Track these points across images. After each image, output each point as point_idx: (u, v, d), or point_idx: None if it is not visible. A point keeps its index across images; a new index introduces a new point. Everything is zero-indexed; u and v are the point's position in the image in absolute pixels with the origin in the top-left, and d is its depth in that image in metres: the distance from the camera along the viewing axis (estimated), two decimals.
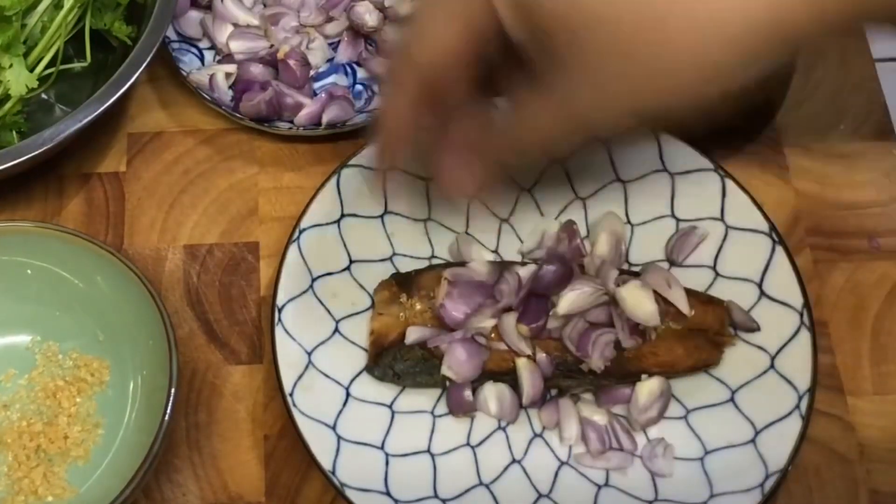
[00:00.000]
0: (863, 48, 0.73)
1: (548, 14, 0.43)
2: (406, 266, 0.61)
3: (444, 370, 0.56)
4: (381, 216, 0.62)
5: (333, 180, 0.61)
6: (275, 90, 0.65)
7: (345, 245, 0.61)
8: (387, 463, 0.56)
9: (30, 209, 0.65)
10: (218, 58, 0.69)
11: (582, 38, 0.43)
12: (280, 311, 0.57)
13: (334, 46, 0.70)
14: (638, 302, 0.55)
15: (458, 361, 0.56)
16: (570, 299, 0.56)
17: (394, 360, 0.57)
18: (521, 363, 0.56)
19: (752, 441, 0.56)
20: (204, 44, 0.70)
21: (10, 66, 0.61)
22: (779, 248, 0.59)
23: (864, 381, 0.61)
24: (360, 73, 0.69)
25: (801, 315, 0.58)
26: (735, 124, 0.66)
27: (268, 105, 0.65)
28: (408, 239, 0.62)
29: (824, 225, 0.66)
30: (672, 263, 0.62)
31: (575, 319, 0.56)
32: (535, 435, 0.58)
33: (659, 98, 0.45)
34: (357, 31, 0.69)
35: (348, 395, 0.57)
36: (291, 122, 0.66)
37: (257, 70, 0.67)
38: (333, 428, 0.55)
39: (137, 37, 0.63)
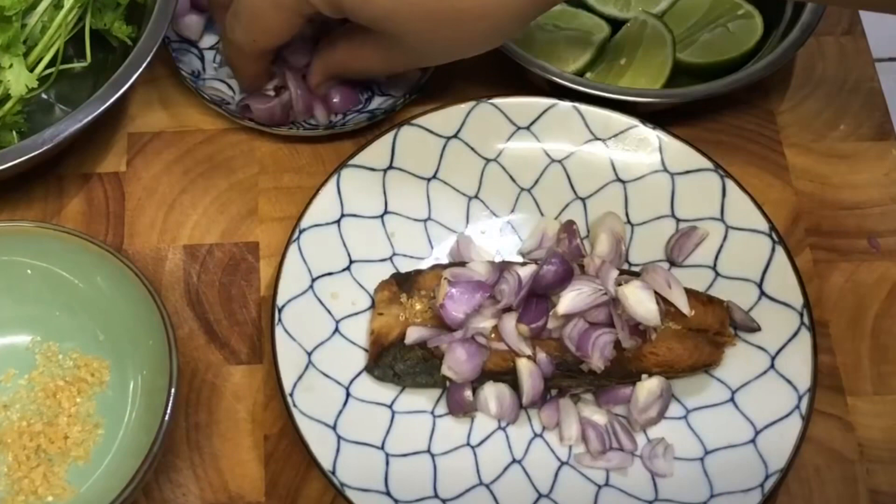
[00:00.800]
0: (863, 48, 0.73)
1: (358, 11, 0.56)
2: (406, 266, 0.61)
3: (445, 370, 0.56)
4: (381, 216, 0.62)
5: (333, 180, 0.61)
6: (292, 94, 0.66)
7: (345, 245, 0.61)
8: (387, 463, 0.56)
9: (30, 209, 0.65)
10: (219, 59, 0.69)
11: (387, 27, 0.56)
12: (280, 311, 0.57)
13: None
14: (639, 302, 0.55)
15: (457, 362, 0.56)
16: (570, 299, 0.56)
17: (394, 360, 0.57)
18: (522, 363, 0.56)
19: (752, 441, 0.56)
20: (204, 44, 0.70)
21: (10, 66, 0.61)
22: (779, 248, 0.59)
23: (864, 381, 0.61)
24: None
25: (801, 315, 0.58)
26: None
27: (282, 108, 0.65)
28: (408, 239, 0.62)
29: (824, 225, 0.66)
30: (672, 263, 0.62)
31: (575, 319, 0.56)
32: (535, 435, 0.58)
33: (450, 57, 0.60)
34: None
35: (348, 395, 0.57)
36: (292, 122, 0.67)
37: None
38: (333, 428, 0.55)
39: (137, 37, 0.63)
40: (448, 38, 0.57)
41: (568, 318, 0.56)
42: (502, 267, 0.58)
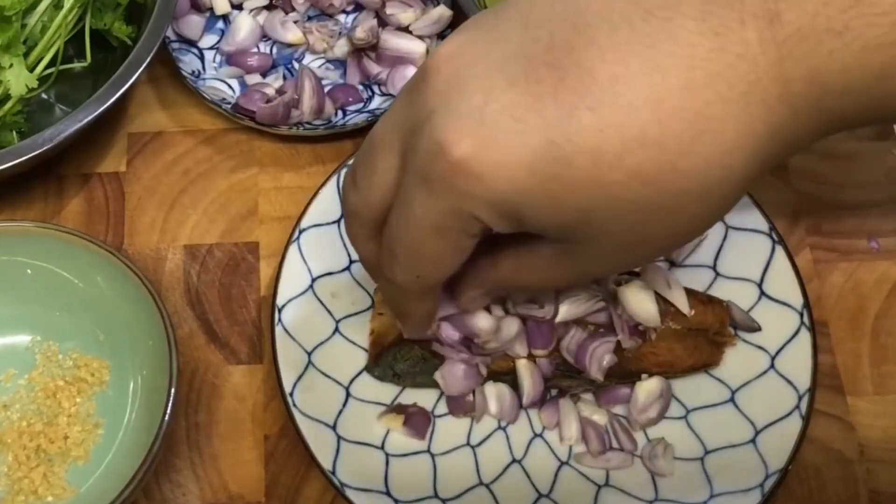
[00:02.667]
0: None
1: (542, 221, 0.41)
2: None
3: (437, 377, 0.56)
4: None
5: (333, 180, 0.61)
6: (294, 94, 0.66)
7: (345, 245, 0.61)
8: (387, 463, 0.56)
9: (30, 209, 0.65)
10: (220, 59, 0.69)
11: (582, 230, 0.41)
12: (280, 311, 0.57)
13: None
14: (639, 302, 0.55)
15: (453, 376, 0.56)
16: (566, 308, 0.55)
17: (394, 360, 0.57)
18: (522, 364, 0.56)
19: (752, 441, 0.56)
20: (204, 44, 0.70)
21: (10, 66, 0.61)
22: (779, 248, 0.59)
23: (864, 381, 0.61)
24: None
25: (801, 315, 0.58)
26: None
27: (284, 108, 0.65)
28: None
29: (824, 225, 0.66)
30: (672, 263, 0.62)
31: (573, 331, 0.56)
32: (535, 435, 0.58)
33: (648, 259, 0.48)
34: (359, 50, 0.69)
35: (348, 395, 0.57)
36: (292, 122, 0.67)
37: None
38: (333, 428, 0.55)
39: (137, 37, 0.63)
40: (655, 236, 0.41)
41: (566, 327, 0.56)
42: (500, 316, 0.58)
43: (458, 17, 0.69)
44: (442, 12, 0.69)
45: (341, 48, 0.70)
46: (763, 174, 0.41)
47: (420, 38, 0.69)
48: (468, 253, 0.44)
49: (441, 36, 0.69)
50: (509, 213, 0.40)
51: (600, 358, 0.55)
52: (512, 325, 0.56)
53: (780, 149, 0.40)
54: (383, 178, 0.43)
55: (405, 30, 0.69)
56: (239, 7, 0.72)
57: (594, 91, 0.37)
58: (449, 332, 0.54)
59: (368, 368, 0.58)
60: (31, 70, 0.62)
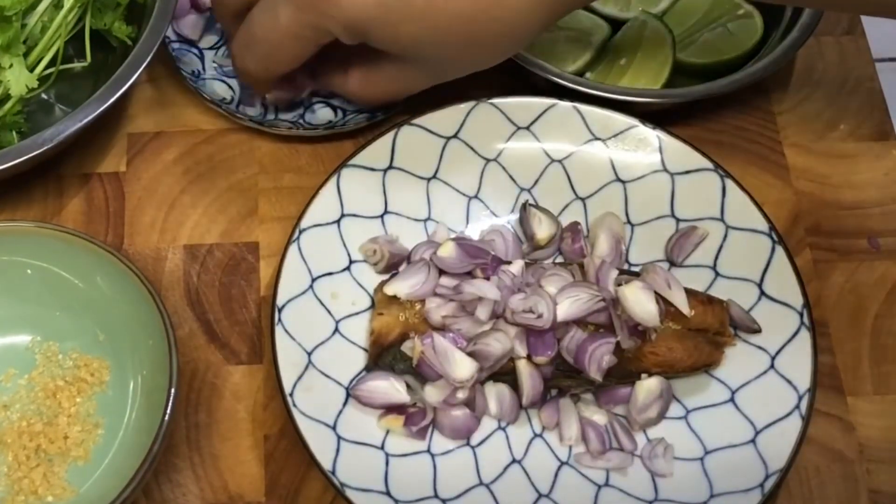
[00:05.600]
0: (863, 48, 0.73)
1: (382, 40, 0.56)
2: None
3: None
4: (382, 216, 0.62)
5: (333, 180, 0.61)
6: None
7: (345, 245, 0.61)
8: (387, 463, 0.56)
9: (30, 209, 0.65)
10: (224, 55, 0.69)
11: (410, 52, 0.57)
12: (280, 311, 0.57)
13: None
14: (638, 302, 0.55)
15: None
16: (567, 306, 0.55)
17: (394, 360, 0.57)
18: (521, 364, 0.56)
19: (752, 441, 0.56)
20: (204, 44, 0.70)
21: (10, 66, 0.61)
22: (779, 248, 0.59)
23: (864, 381, 0.61)
24: None
25: (801, 315, 0.58)
26: None
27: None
28: (408, 239, 0.62)
29: (824, 225, 0.66)
30: (672, 263, 0.62)
31: (572, 331, 0.56)
32: (535, 435, 0.58)
33: (466, 72, 0.60)
34: None
35: (348, 394, 0.57)
36: (292, 122, 0.67)
37: None
38: (333, 428, 0.55)
39: (137, 37, 0.63)
40: (470, 57, 0.58)
41: (566, 327, 0.56)
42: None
43: None
44: None
45: None
46: (550, 25, 0.58)
47: None
48: (309, 56, 0.58)
49: None
50: (358, 32, 0.55)
51: (599, 358, 0.55)
52: (506, 342, 0.56)
53: (560, 5, 0.56)
54: None
55: None
56: None
57: None
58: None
59: (368, 368, 0.58)
60: (31, 70, 0.62)
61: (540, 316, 0.55)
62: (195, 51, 0.70)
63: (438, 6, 0.53)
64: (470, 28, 0.55)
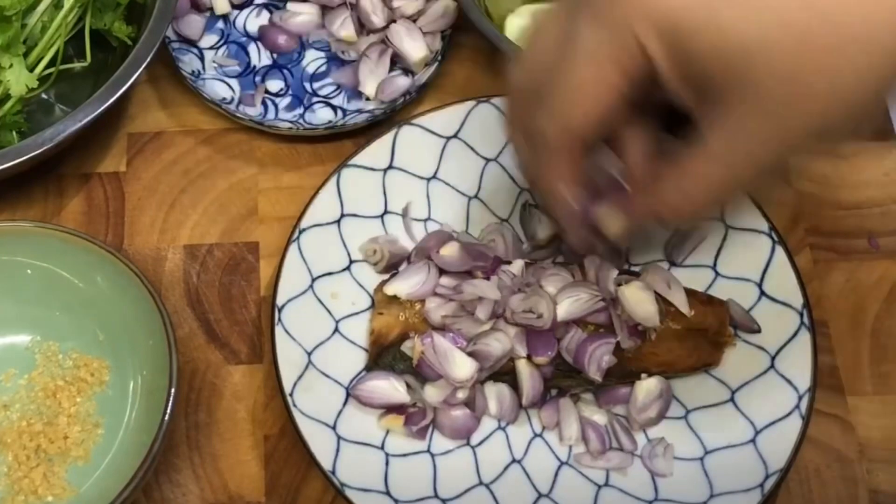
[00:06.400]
0: None
1: (706, 48, 0.40)
2: None
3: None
4: (381, 216, 0.62)
5: (333, 180, 0.61)
6: None
7: (345, 245, 0.61)
8: (387, 463, 0.56)
9: (30, 209, 0.65)
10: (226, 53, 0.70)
11: (744, 69, 0.40)
12: (280, 311, 0.57)
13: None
14: (638, 302, 0.55)
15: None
16: (567, 306, 0.55)
17: (394, 360, 0.57)
18: (521, 364, 0.56)
19: (752, 441, 0.56)
20: (204, 44, 0.70)
21: (10, 66, 0.61)
22: (779, 248, 0.59)
23: (864, 381, 0.61)
24: None
25: (801, 315, 0.58)
26: None
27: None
28: (408, 239, 0.62)
29: (824, 225, 0.66)
30: (672, 263, 0.62)
31: (572, 331, 0.56)
32: (535, 435, 0.58)
33: (839, 112, 0.41)
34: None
35: (348, 395, 0.57)
36: (292, 122, 0.67)
37: None
38: (333, 428, 0.55)
39: (137, 37, 0.63)
40: (818, 89, 0.40)
41: (566, 327, 0.56)
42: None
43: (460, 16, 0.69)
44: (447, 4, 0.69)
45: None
46: None
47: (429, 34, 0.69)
48: (617, 96, 0.43)
49: (443, 36, 0.69)
50: (674, 39, 0.39)
51: (599, 359, 0.55)
52: (505, 342, 0.56)
53: None
54: (545, 44, 0.45)
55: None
56: (239, 7, 0.72)
57: None
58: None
59: (368, 368, 0.58)
60: (31, 70, 0.62)
61: (540, 316, 0.55)
62: (195, 51, 0.70)
63: None
64: (823, 25, 0.38)
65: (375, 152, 0.62)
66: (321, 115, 0.68)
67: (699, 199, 0.47)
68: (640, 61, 0.41)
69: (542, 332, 0.55)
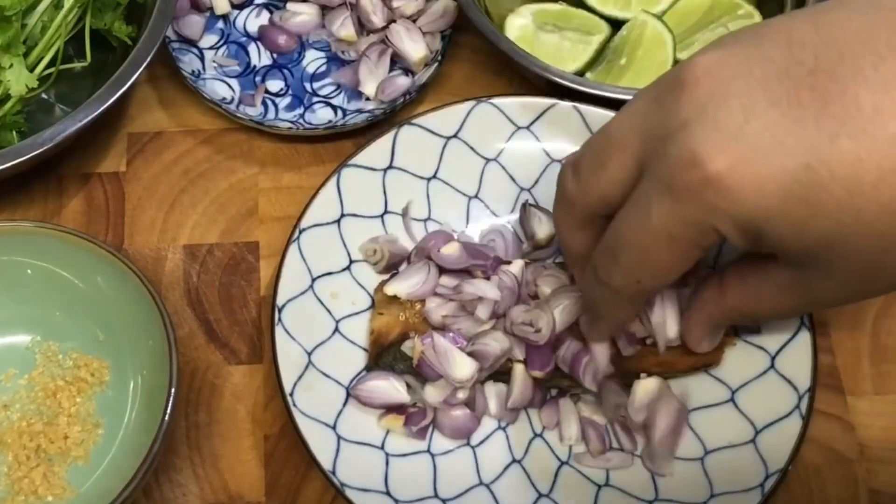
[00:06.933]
0: None
1: (784, 238, 0.41)
2: None
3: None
4: (381, 216, 0.62)
5: (333, 180, 0.61)
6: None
7: (345, 245, 0.61)
8: (387, 463, 0.56)
9: (30, 209, 0.65)
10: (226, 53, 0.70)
11: (824, 254, 0.41)
12: (280, 311, 0.57)
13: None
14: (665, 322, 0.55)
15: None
16: (560, 317, 0.55)
17: (394, 360, 0.57)
18: (518, 369, 0.56)
19: (752, 441, 0.56)
20: (204, 44, 0.70)
21: (10, 66, 0.61)
22: None
23: (864, 381, 0.61)
24: None
25: (801, 315, 0.58)
26: None
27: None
28: (408, 239, 0.62)
29: None
30: None
31: (567, 341, 0.56)
32: (535, 435, 0.58)
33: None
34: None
35: (348, 394, 0.57)
36: (292, 122, 0.67)
37: None
38: (333, 428, 0.55)
39: (137, 37, 0.63)
40: (893, 267, 0.41)
41: (563, 334, 0.56)
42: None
43: (460, 17, 0.69)
44: (446, 5, 0.69)
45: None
46: None
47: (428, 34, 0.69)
48: (690, 266, 0.44)
49: (443, 36, 0.69)
50: (751, 230, 0.41)
51: (594, 370, 0.55)
52: (504, 342, 0.56)
53: None
54: (613, 174, 0.44)
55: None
56: (239, 7, 0.72)
57: (857, 120, 0.38)
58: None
59: (368, 368, 0.58)
60: (31, 70, 0.62)
61: (538, 330, 0.55)
62: (195, 51, 0.70)
63: (864, 194, 0.38)
64: None
65: (375, 152, 0.62)
66: (321, 115, 0.68)
67: (764, 316, 0.52)
68: (716, 239, 0.42)
69: (539, 347, 0.55)
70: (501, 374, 0.57)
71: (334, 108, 0.68)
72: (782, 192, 0.39)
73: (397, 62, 0.69)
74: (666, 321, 0.54)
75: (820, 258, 0.41)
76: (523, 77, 0.66)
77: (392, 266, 0.61)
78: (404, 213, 0.62)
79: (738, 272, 0.48)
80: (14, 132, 0.64)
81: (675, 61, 0.69)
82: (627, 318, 0.53)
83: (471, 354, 0.55)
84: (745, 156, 0.39)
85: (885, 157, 0.38)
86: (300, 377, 0.56)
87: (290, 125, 0.66)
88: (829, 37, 0.40)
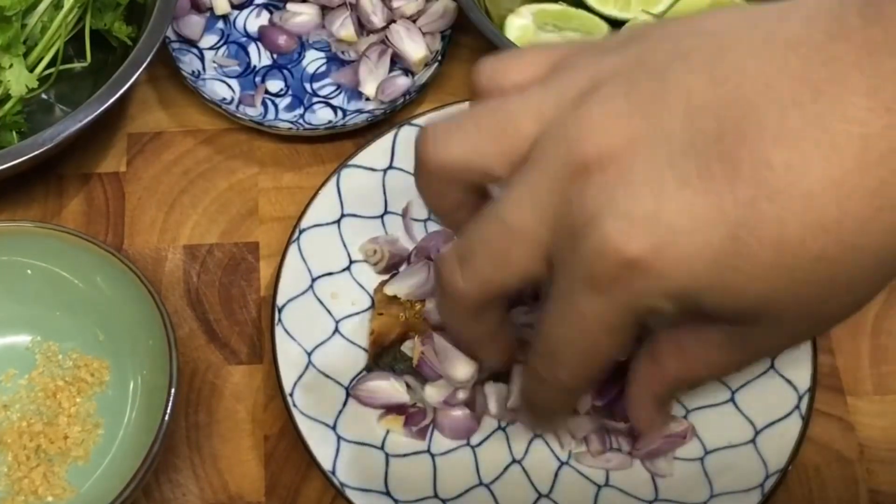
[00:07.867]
0: None
1: (719, 304, 0.40)
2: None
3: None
4: (382, 216, 0.62)
5: (333, 180, 0.61)
6: None
7: (345, 245, 0.61)
8: (387, 463, 0.56)
9: (30, 209, 0.65)
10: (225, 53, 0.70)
11: (762, 314, 0.40)
12: (280, 311, 0.57)
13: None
14: None
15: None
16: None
17: (394, 360, 0.57)
18: (518, 369, 0.56)
19: (752, 441, 0.56)
20: (204, 44, 0.70)
21: (10, 66, 0.61)
22: None
23: (864, 381, 0.61)
24: None
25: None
26: None
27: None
28: (408, 239, 0.62)
29: None
30: None
31: None
32: (536, 435, 0.58)
33: (865, 301, 0.41)
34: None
35: (348, 395, 0.57)
36: (292, 122, 0.67)
37: None
38: (333, 428, 0.55)
39: (137, 37, 0.63)
40: (832, 312, 0.41)
41: None
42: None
43: (461, 17, 0.69)
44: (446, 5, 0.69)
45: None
46: None
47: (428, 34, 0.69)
48: (637, 335, 0.43)
49: (443, 36, 0.69)
50: (689, 301, 0.39)
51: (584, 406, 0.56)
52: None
53: None
54: (520, 270, 0.42)
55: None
56: (239, 7, 0.72)
57: (770, 181, 0.37)
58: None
59: (368, 369, 0.58)
60: (31, 70, 0.62)
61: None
62: (195, 51, 0.70)
63: (793, 252, 0.38)
64: (834, 270, 0.38)
65: (375, 152, 0.62)
66: (321, 116, 0.68)
67: (709, 379, 0.50)
68: (658, 313, 0.41)
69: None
70: (502, 373, 0.57)
71: (334, 108, 0.68)
72: (712, 265, 0.38)
73: (397, 62, 0.69)
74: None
75: (760, 316, 0.40)
76: None
77: (392, 266, 0.61)
78: (404, 214, 0.62)
79: (671, 341, 0.46)
80: (14, 132, 0.64)
81: None
82: (575, 404, 0.54)
83: None
84: (665, 238, 0.38)
85: (805, 211, 0.37)
86: (300, 377, 0.56)
87: (290, 125, 0.66)
88: (729, 94, 0.38)
